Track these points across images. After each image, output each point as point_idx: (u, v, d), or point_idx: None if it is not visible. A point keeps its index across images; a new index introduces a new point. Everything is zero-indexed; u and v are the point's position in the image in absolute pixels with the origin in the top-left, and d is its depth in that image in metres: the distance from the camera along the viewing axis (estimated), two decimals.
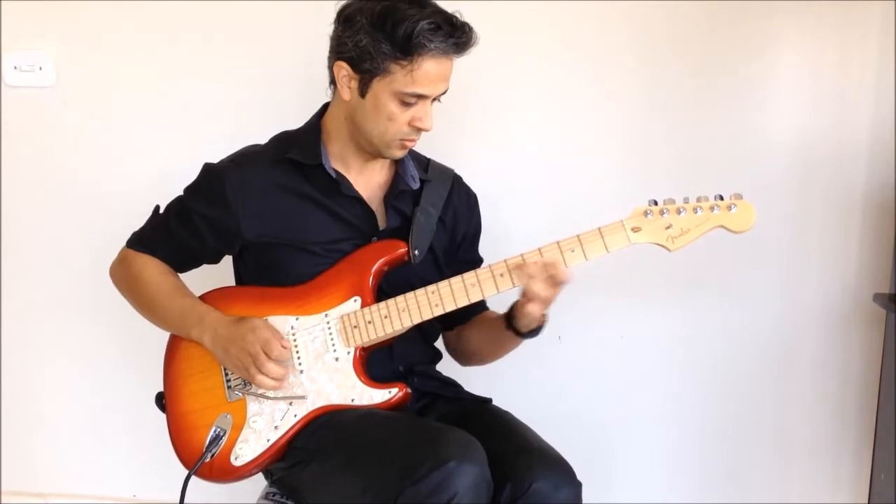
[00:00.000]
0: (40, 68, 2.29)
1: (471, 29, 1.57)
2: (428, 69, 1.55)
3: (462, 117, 2.14)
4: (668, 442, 2.33)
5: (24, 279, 2.40)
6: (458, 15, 1.57)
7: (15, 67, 2.28)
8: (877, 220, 2.16)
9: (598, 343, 2.29)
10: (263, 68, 2.24)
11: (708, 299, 2.24)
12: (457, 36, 1.55)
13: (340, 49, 1.59)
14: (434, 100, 1.62)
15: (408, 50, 1.53)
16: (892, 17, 2.07)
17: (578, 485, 1.54)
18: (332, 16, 1.62)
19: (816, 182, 2.17)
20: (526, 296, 1.59)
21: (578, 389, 2.30)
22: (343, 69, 1.60)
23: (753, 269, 2.21)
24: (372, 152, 1.68)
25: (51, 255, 2.38)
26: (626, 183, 2.19)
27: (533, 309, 1.59)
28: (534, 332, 1.67)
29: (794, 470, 2.31)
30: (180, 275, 1.80)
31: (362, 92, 1.60)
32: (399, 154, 1.67)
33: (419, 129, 1.62)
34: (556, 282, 1.57)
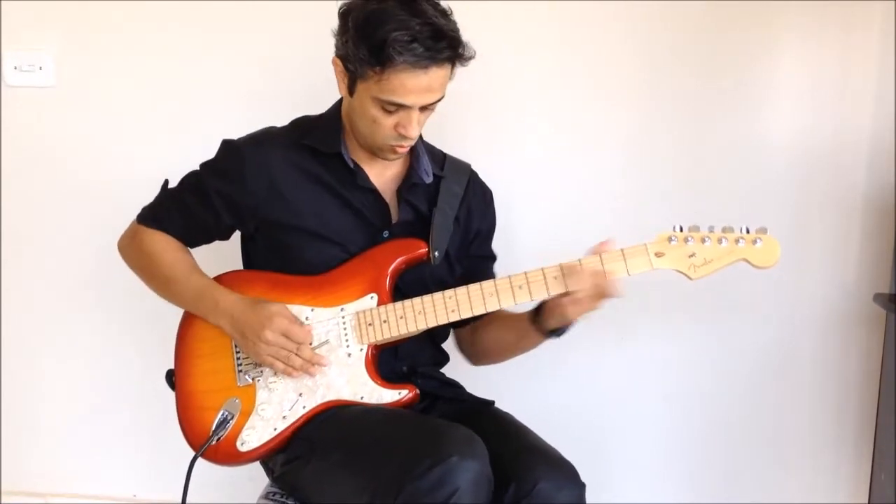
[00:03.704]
0: (40, 68, 2.28)
1: (457, 44, 1.54)
2: (402, 81, 1.53)
3: (468, 117, 2.14)
4: (668, 442, 2.33)
5: (23, 279, 2.40)
6: (452, 27, 1.54)
7: (15, 67, 2.28)
8: (877, 220, 2.16)
9: (599, 345, 2.28)
10: (265, 68, 2.24)
11: (708, 299, 2.23)
12: (436, 49, 1.52)
13: (336, 45, 1.60)
14: (425, 109, 1.60)
15: (379, 59, 1.52)
16: (893, 18, 2.08)
17: (582, 486, 1.54)
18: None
19: (817, 183, 2.17)
20: (570, 298, 1.59)
21: (578, 391, 2.30)
22: (338, 66, 1.61)
23: (754, 269, 2.20)
24: (368, 151, 1.69)
25: (51, 255, 2.38)
26: (630, 184, 2.20)
27: (572, 312, 1.60)
28: (558, 331, 1.67)
29: (794, 470, 2.31)
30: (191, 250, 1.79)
31: (351, 91, 1.62)
32: (391, 157, 1.68)
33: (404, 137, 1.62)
34: (602, 293, 1.57)
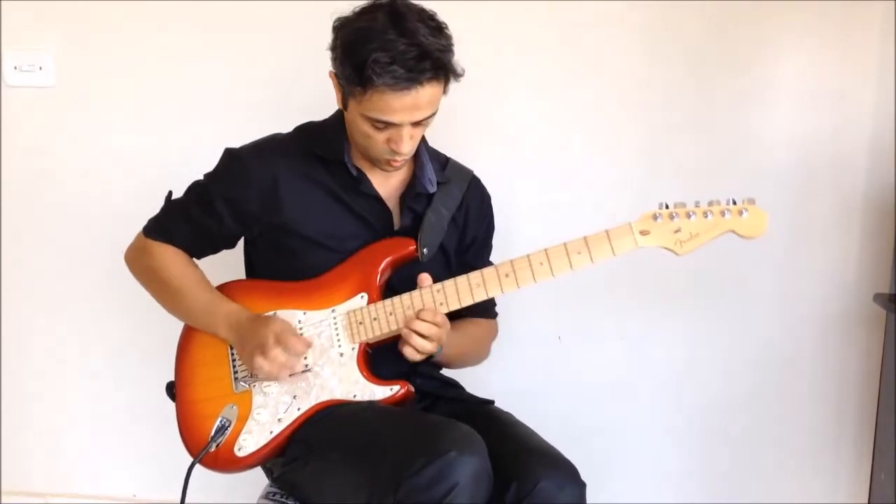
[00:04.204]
0: (40, 68, 2.28)
1: (440, 64, 1.52)
2: (385, 101, 1.52)
3: (469, 118, 2.15)
4: (669, 442, 2.33)
5: (23, 279, 2.40)
6: (439, 46, 1.51)
7: (15, 67, 2.28)
8: (877, 220, 2.16)
9: (599, 344, 2.29)
10: (266, 68, 2.24)
11: (708, 299, 2.24)
12: (417, 70, 1.49)
13: (331, 60, 1.60)
14: (417, 125, 1.58)
15: (360, 80, 1.51)
16: (893, 18, 2.08)
17: (583, 485, 1.54)
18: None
19: (817, 182, 2.17)
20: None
21: (578, 390, 2.30)
22: (333, 80, 1.62)
23: (754, 268, 2.21)
24: (367, 161, 1.69)
25: (50, 256, 2.38)
26: (629, 184, 2.20)
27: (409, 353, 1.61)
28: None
29: (793, 470, 2.31)
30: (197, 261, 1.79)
31: (344, 106, 1.62)
32: (388, 169, 1.67)
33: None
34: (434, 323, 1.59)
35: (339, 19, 1.57)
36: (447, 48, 1.54)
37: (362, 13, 1.55)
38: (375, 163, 1.67)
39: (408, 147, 1.59)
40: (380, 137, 1.59)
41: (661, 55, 2.17)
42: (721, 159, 2.18)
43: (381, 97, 1.52)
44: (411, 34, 1.50)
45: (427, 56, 1.50)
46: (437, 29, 1.54)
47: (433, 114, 1.59)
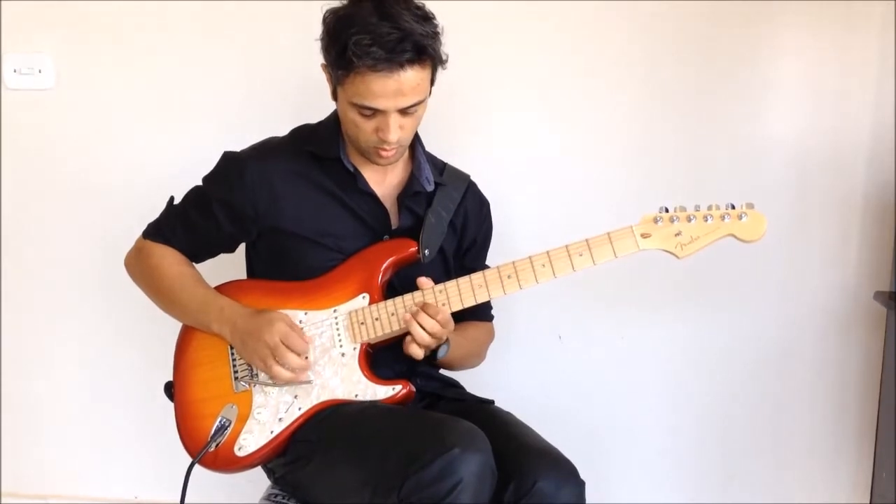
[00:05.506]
0: (40, 71, 2.28)
1: (421, 48, 1.52)
2: (367, 84, 1.52)
3: (468, 120, 2.15)
4: (669, 442, 2.33)
5: (24, 280, 2.40)
6: (423, 31, 1.52)
7: (15, 70, 2.28)
8: (877, 218, 2.16)
9: (599, 343, 2.29)
10: (263, 69, 2.24)
11: (708, 298, 2.24)
12: (396, 52, 1.50)
13: (320, 49, 1.61)
14: (406, 113, 1.58)
15: (342, 63, 1.53)
16: (893, 18, 2.08)
17: (581, 483, 1.54)
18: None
19: (817, 181, 2.17)
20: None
21: (579, 390, 2.30)
22: (324, 72, 1.62)
23: (754, 267, 2.21)
24: (361, 155, 1.69)
25: (51, 257, 2.38)
26: (628, 185, 2.20)
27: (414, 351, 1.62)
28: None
29: (794, 469, 2.31)
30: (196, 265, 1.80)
31: (334, 96, 1.63)
32: (380, 161, 1.67)
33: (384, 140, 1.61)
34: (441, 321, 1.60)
35: (328, 10, 1.58)
36: (431, 35, 1.54)
37: (350, 3, 1.56)
38: (366, 154, 1.66)
39: (395, 135, 1.58)
40: (368, 126, 1.59)
41: (660, 55, 2.17)
42: (721, 159, 2.18)
43: (363, 80, 1.52)
44: (394, 19, 1.51)
45: (408, 38, 1.50)
46: (423, 17, 1.55)
47: (420, 102, 1.58)
